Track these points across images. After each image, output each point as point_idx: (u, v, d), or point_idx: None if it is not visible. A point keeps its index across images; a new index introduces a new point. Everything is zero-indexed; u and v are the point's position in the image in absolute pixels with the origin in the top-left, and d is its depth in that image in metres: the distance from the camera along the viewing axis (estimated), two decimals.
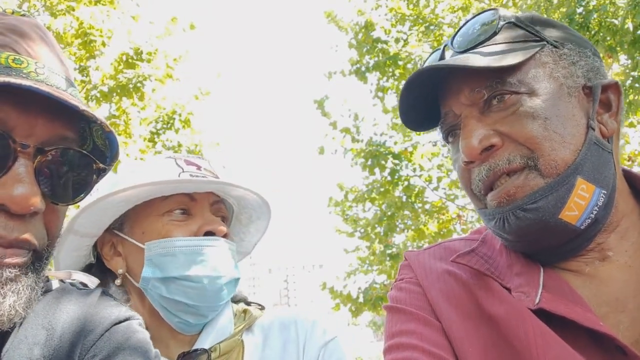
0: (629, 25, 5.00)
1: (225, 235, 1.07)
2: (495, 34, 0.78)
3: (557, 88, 0.75)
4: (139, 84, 7.42)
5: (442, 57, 0.84)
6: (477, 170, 0.77)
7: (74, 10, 6.67)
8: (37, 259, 0.62)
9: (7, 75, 0.57)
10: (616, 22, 5.15)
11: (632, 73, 5.87)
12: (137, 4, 7.76)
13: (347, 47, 8.31)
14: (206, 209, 1.08)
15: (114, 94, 7.52)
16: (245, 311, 1.17)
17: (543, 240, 0.75)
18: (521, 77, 0.75)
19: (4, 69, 0.58)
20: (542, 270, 0.77)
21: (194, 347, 1.05)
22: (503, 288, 0.77)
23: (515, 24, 0.79)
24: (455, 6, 8.13)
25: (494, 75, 0.75)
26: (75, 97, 0.65)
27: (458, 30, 0.83)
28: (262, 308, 1.21)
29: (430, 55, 0.89)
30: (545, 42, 0.78)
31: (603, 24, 5.26)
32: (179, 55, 8.29)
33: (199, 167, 1.12)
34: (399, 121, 8.72)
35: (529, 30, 0.79)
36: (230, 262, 1.06)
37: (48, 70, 0.63)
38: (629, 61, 5.84)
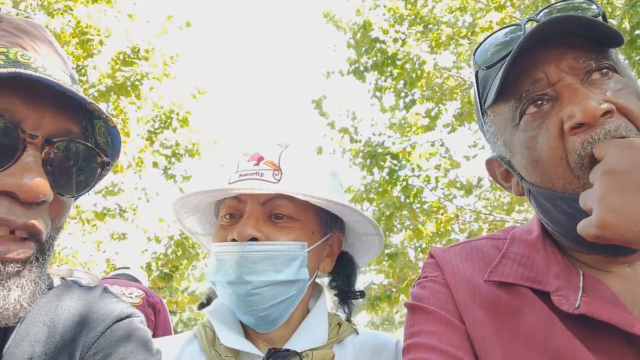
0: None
1: (254, 238, 1.00)
2: (599, 15, 0.77)
3: (635, 81, 0.76)
4: (136, 82, 7.41)
5: (524, 33, 0.79)
6: (584, 136, 0.69)
7: (71, 9, 6.66)
8: (41, 252, 0.63)
9: (15, 68, 0.58)
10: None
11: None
12: (134, 3, 7.75)
13: (346, 47, 8.31)
14: (253, 210, 1.03)
15: (112, 93, 7.51)
16: (339, 324, 1.13)
17: None
18: (616, 60, 0.76)
19: (13, 63, 0.59)
20: (581, 272, 0.75)
21: (285, 347, 1.02)
22: (535, 295, 0.75)
23: (604, 17, 0.79)
24: (453, 6, 8.14)
25: (599, 49, 0.74)
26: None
27: (543, 9, 0.80)
28: (355, 329, 1.14)
29: (496, 32, 0.83)
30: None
31: None
32: (176, 54, 8.29)
33: (258, 162, 1.06)
34: (396, 121, 8.73)
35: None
36: (255, 266, 0.99)
37: (55, 66, 0.64)
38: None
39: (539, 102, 0.75)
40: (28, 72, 0.57)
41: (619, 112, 0.70)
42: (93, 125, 0.72)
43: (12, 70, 0.56)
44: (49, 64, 0.63)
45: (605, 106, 0.69)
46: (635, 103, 0.71)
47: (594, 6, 0.78)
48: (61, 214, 0.67)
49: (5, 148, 0.57)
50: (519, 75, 0.76)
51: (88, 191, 0.70)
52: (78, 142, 0.66)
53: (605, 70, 0.73)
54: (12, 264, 0.58)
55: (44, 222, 0.61)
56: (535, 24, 0.77)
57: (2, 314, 0.57)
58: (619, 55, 0.80)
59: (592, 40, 0.74)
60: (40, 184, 0.58)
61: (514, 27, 0.81)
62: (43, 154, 0.60)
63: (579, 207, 0.68)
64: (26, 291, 0.59)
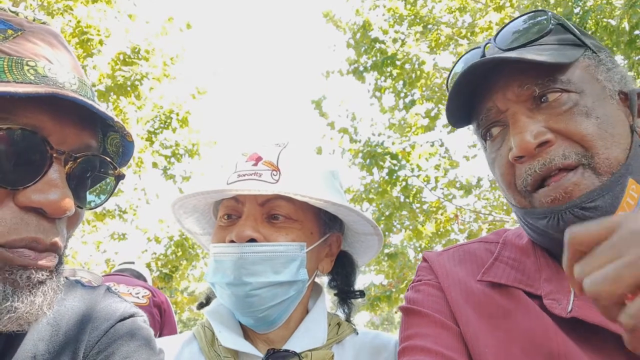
0: (625, 25, 5.02)
1: (253, 240, 1.00)
2: (547, 33, 0.78)
3: (601, 90, 0.76)
4: (136, 82, 7.42)
5: (483, 56, 0.82)
6: (526, 166, 0.75)
7: (71, 9, 6.66)
8: (59, 262, 0.64)
9: (46, 84, 0.58)
10: (613, 22, 5.17)
11: (629, 73, 5.90)
12: (134, 4, 7.76)
13: (345, 47, 8.31)
14: (251, 211, 1.02)
15: (111, 93, 7.51)
16: (339, 324, 1.13)
17: None
18: (570, 76, 0.75)
19: (42, 78, 0.59)
20: None
21: (284, 347, 1.02)
22: (528, 297, 0.76)
23: (563, 26, 0.80)
24: (453, 7, 8.15)
25: (545, 73, 0.75)
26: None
27: (501, 29, 0.82)
28: (355, 329, 1.15)
29: (465, 54, 0.87)
30: (587, 47, 0.79)
31: (600, 24, 5.28)
32: (176, 55, 8.30)
33: (257, 162, 1.06)
34: (395, 121, 8.74)
35: (574, 34, 0.79)
36: (254, 267, 0.98)
37: (76, 79, 0.64)
38: (626, 61, 5.87)
39: (494, 128, 0.81)
40: (60, 91, 0.57)
41: (562, 136, 0.73)
42: (105, 136, 0.73)
43: (49, 90, 0.56)
44: (72, 76, 0.64)
45: (541, 139, 0.73)
46: (579, 122, 0.72)
47: (550, 21, 0.80)
48: (76, 225, 0.68)
49: (33, 164, 0.58)
50: (476, 103, 0.82)
51: (103, 203, 0.71)
52: (98, 156, 0.67)
53: (550, 94, 0.75)
54: (41, 272, 0.59)
55: (63, 236, 0.63)
56: (490, 48, 0.82)
57: (27, 318, 0.58)
58: (601, 56, 0.80)
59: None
60: (67, 200, 0.59)
61: (475, 50, 0.85)
62: (66, 169, 0.61)
63: (535, 221, 0.76)
64: (47, 298, 0.60)
